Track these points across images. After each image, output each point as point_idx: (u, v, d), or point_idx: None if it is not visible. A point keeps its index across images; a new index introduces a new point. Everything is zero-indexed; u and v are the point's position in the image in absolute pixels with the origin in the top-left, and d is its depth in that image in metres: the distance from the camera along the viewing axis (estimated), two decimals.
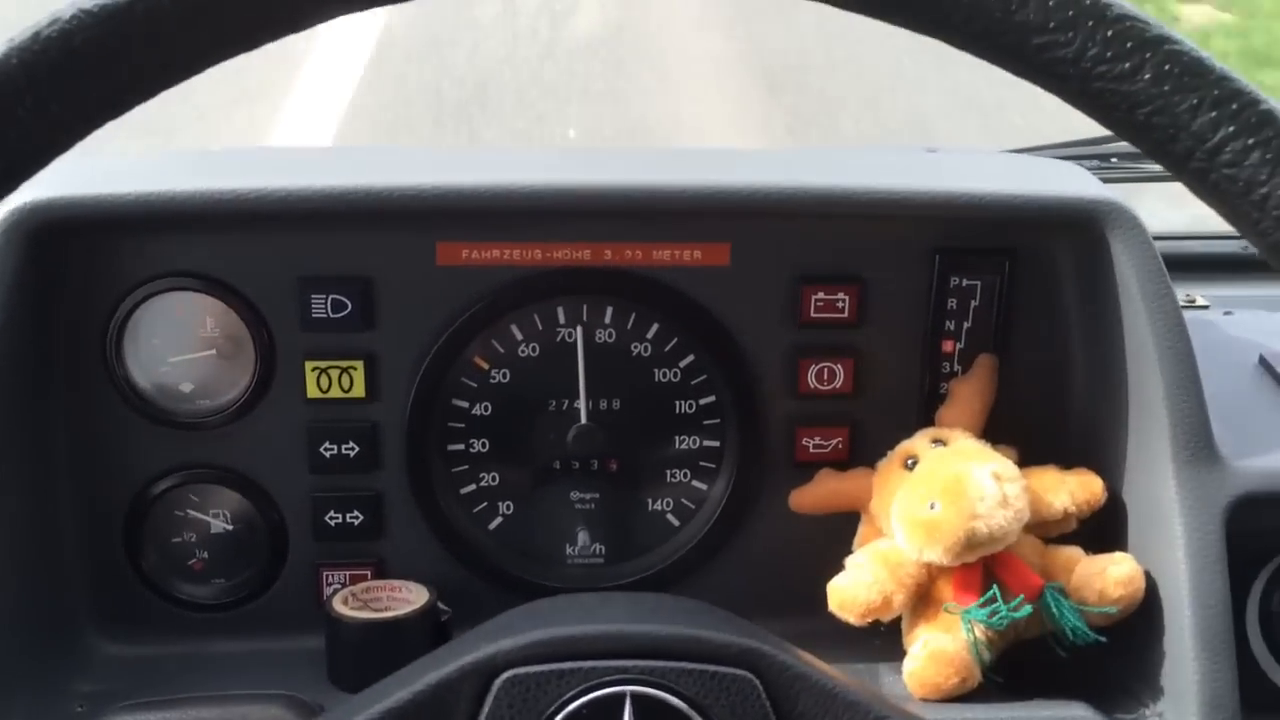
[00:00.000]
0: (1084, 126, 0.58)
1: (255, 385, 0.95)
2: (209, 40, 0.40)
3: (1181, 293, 0.98)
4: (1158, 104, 0.40)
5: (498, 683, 0.59)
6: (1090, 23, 0.40)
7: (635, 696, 0.59)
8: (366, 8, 0.42)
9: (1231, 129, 0.40)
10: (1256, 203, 0.40)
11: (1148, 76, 0.40)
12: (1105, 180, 0.99)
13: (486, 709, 0.59)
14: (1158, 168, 1.27)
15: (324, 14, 0.41)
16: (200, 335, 0.95)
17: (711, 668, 0.60)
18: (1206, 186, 0.41)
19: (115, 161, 0.94)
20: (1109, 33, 0.40)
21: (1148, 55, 0.40)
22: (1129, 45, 0.40)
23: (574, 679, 0.59)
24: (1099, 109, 0.41)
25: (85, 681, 0.92)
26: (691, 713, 0.60)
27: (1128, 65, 0.40)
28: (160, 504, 0.98)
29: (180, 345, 0.95)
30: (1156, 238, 0.90)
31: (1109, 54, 0.40)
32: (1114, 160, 1.42)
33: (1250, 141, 0.40)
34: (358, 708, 0.60)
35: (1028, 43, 0.40)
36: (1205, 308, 1.19)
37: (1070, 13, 0.40)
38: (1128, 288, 0.89)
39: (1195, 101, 0.40)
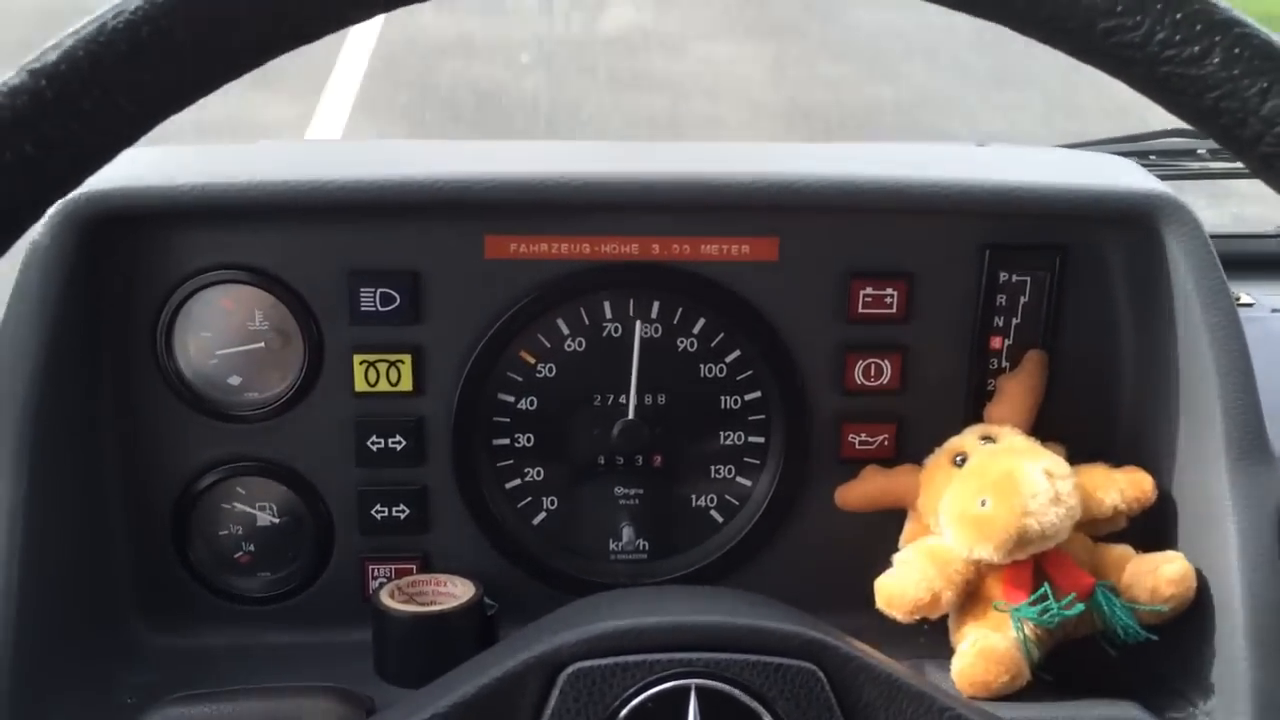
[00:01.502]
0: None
1: (303, 378, 0.96)
2: (275, 31, 0.40)
3: None
4: (1227, 88, 0.39)
5: (563, 676, 0.59)
6: (1159, 5, 0.39)
7: (700, 689, 0.59)
8: None
9: None
10: None
11: (1217, 60, 0.39)
12: None
13: (552, 703, 0.59)
14: (1196, 166, 1.26)
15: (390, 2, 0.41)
16: (249, 328, 0.95)
17: (775, 660, 0.60)
18: (1276, 172, 0.41)
19: (166, 153, 0.94)
20: (1178, 15, 0.39)
21: (1217, 38, 0.39)
22: (1198, 28, 0.39)
23: (639, 672, 0.59)
24: (1166, 94, 0.41)
25: (134, 673, 0.92)
26: (756, 705, 0.59)
27: (1197, 49, 0.39)
28: (207, 497, 0.98)
29: (229, 338, 0.95)
30: None
31: (1178, 37, 0.39)
32: (1153, 157, 1.41)
33: None
34: (423, 702, 0.60)
35: (1095, 27, 0.40)
36: (1250, 305, 1.18)
37: None
38: (1182, 283, 0.88)
39: (1265, 85, 0.39)
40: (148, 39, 0.38)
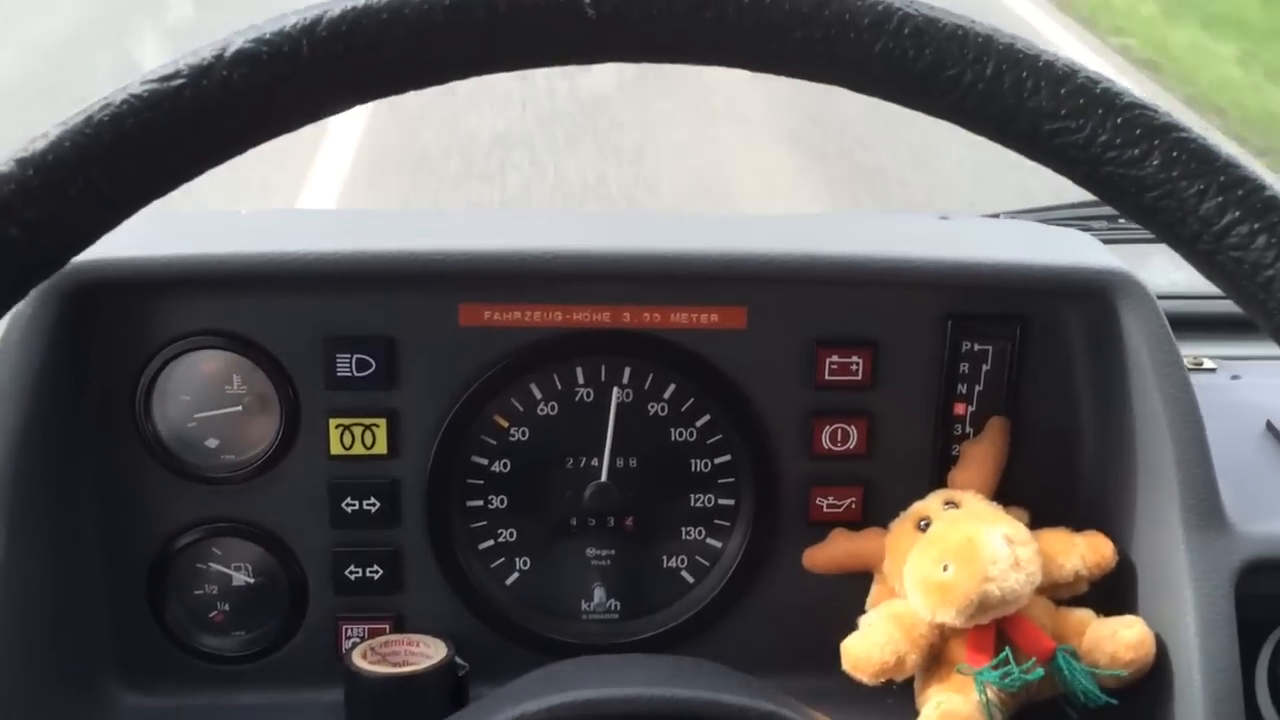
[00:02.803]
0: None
1: (280, 441, 0.97)
2: (254, 124, 0.42)
3: (1188, 353, 1.00)
4: (1165, 188, 0.41)
5: None
6: (1100, 110, 0.41)
7: None
8: (389, 94, 0.44)
9: (1237, 214, 0.41)
10: (1262, 284, 0.41)
11: (1156, 162, 0.41)
12: (1112, 241, 1.00)
13: None
14: None
15: (362, 98, 0.43)
16: (227, 392, 0.97)
17: None
18: (1214, 267, 0.42)
19: (147, 223, 0.96)
20: (1119, 120, 0.41)
21: (1156, 142, 0.41)
22: (1138, 132, 0.41)
23: None
24: (1108, 191, 0.42)
25: None
26: None
27: (1137, 151, 0.41)
28: (183, 557, 0.99)
29: (207, 402, 0.97)
30: (1162, 297, 0.92)
31: (1118, 140, 0.41)
32: (1121, 221, 1.44)
33: (1256, 226, 0.40)
34: None
35: (1040, 129, 0.42)
36: (1212, 370, 1.20)
37: (1081, 101, 0.41)
38: (1137, 355, 0.90)
39: (1202, 187, 0.41)
40: (131, 130, 0.40)
